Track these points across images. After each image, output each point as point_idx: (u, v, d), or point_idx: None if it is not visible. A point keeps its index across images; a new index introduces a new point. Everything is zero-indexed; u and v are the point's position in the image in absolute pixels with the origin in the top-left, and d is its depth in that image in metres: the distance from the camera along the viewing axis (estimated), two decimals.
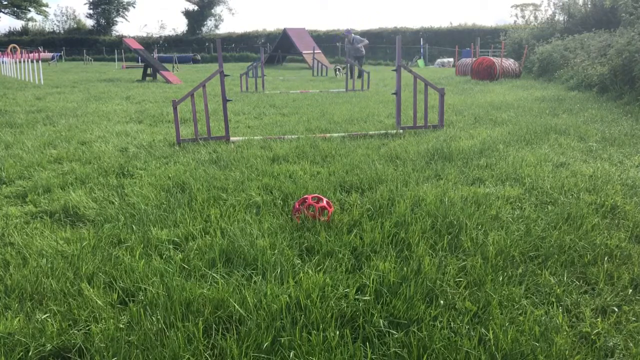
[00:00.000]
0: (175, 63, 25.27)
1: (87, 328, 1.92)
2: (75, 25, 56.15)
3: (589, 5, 17.13)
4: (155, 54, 29.35)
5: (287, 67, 29.14)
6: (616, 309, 2.04)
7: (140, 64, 21.55)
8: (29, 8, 53.19)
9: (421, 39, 35.73)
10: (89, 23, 55.45)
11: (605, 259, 2.45)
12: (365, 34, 42.87)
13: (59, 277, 2.27)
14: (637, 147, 4.86)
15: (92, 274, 2.33)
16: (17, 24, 70.04)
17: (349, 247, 2.57)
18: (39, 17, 59.18)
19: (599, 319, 1.97)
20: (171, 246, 2.64)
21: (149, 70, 16.99)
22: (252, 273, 2.32)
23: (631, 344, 1.81)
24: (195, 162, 4.49)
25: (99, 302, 2.07)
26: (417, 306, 2.00)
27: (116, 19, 55.72)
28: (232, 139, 5.59)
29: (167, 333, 1.85)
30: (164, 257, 2.51)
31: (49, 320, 1.95)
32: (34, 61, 15.65)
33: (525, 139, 5.25)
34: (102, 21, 54.46)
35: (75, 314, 2.01)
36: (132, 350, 1.76)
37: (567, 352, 1.76)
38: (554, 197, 3.36)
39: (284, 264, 2.37)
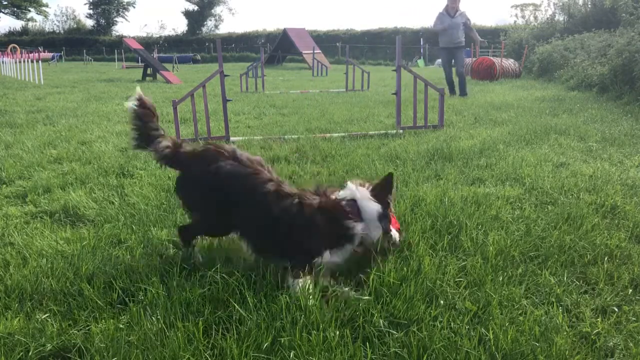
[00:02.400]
0: (175, 63, 25.27)
1: (87, 328, 1.92)
2: (75, 25, 56.21)
3: (589, 5, 17.15)
4: (155, 54, 29.36)
5: (287, 67, 29.14)
6: (616, 309, 2.04)
7: (140, 64, 21.56)
8: (29, 8, 53.26)
9: (421, 39, 35.75)
10: (89, 23, 55.59)
11: (605, 259, 2.45)
12: (365, 34, 42.90)
13: (59, 277, 2.27)
14: (637, 147, 4.86)
15: (92, 274, 2.32)
16: (17, 24, 70.10)
17: None
18: (39, 17, 59.27)
19: (599, 319, 1.97)
20: (171, 246, 2.64)
21: (149, 70, 17.01)
22: (252, 273, 2.31)
23: (631, 344, 1.81)
24: None
25: (99, 302, 2.07)
26: (417, 306, 2.00)
27: (116, 19, 55.83)
28: (232, 138, 5.59)
29: (167, 333, 1.85)
30: (163, 257, 2.51)
31: (49, 320, 1.95)
32: (34, 61, 15.65)
33: (525, 139, 5.25)
34: (102, 21, 54.54)
35: (75, 314, 2.01)
36: (132, 350, 1.76)
37: (567, 352, 1.76)
38: (554, 197, 3.36)
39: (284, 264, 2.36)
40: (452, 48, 10.02)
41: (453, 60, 10.28)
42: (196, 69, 26.72)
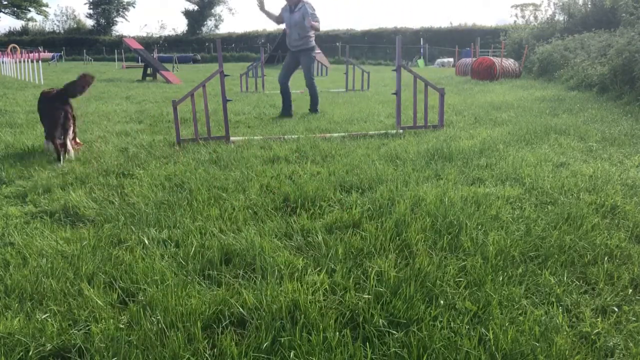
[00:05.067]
0: (175, 63, 25.26)
1: (87, 328, 1.92)
2: (75, 25, 56.21)
3: (589, 5, 17.14)
4: (155, 54, 29.35)
5: None
6: (616, 309, 2.04)
7: (140, 63, 21.55)
8: (29, 8, 53.26)
9: (421, 39, 35.77)
10: (89, 23, 55.61)
11: (605, 259, 2.45)
12: (365, 34, 42.88)
13: (59, 277, 2.27)
14: (637, 147, 4.86)
15: (92, 274, 2.32)
16: (17, 24, 70.15)
17: (348, 246, 2.57)
18: (39, 17, 59.33)
19: (599, 319, 1.97)
20: (171, 246, 2.64)
21: (149, 70, 17.00)
22: (252, 273, 2.32)
23: (631, 344, 1.81)
24: (195, 162, 4.49)
25: (99, 302, 2.07)
26: (417, 306, 2.00)
27: (116, 19, 55.85)
28: (232, 138, 5.59)
29: (167, 333, 1.85)
30: (164, 257, 2.51)
31: (49, 320, 1.95)
32: (34, 61, 15.65)
33: (525, 139, 5.25)
34: (102, 21, 54.55)
35: (75, 314, 2.01)
36: (132, 350, 1.76)
37: (567, 352, 1.76)
38: (554, 197, 3.36)
39: (284, 265, 2.37)
40: (293, 52, 7.72)
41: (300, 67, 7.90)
42: (196, 69, 26.71)
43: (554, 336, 1.82)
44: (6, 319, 1.97)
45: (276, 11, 7.76)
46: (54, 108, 4.60)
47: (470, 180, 3.81)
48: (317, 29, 7.48)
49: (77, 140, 5.20)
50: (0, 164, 4.37)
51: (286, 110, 7.69)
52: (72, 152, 4.73)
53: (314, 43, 7.69)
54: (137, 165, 4.38)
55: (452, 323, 1.91)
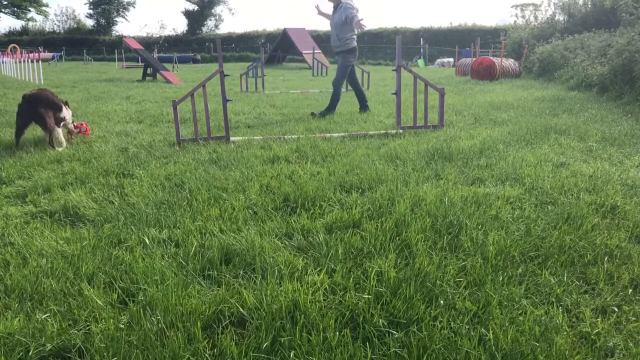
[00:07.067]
0: (175, 63, 25.25)
1: (87, 328, 1.92)
2: (75, 25, 56.17)
3: (589, 5, 17.14)
4: (156, 54, 29.33)
5: (287, 67, 29.12)
6: (616, 309, 2.04)
7: (140, 63, 21.54)
8: (29, 8, 53.20)
9: (421, 39, 35.74)
10: (89, 23, 55.53)
11: (605, 259, 2.45)
12: (365, 34, 42.83)
13: (59, 277, 2.27)
14: (637, 147, 4.86)
15: (92, 274, 2.32)
16: (17, 24, 70.13)
17: (348, 246, 2.57)
18: (39, 17, 59.31)
19: (599, 319, 1.97)
20: (171, 246, 2.64)
21: (149, 70, 16.98)
22: (252, 273, 2.32)
23: (631, 344, 1.81)
24: (195, 162, 4.49)
25: (99, 302, 2.07)
26: (417, 306, 2.00)
27: (116, 19, 55.78)
28: (232, 138, 5.59)
29: (167, 333, 1.85)
30: (164, 257, 2.51)
31: (49, 320, 1.95)
32: (34, 61, 15.64)
33: (525, 139, 5.25)
34: (102, 21, 54.50)
35: (75, 314, 2.01)
36: (132, 350, 1.76)
37: (567, 352, 1.76)
38: (554, 197, 3.36)
39: (284, 264, 2.37)
40: (335, 53, 7.64)
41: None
42: (196, 69, 26.72)
43: (554, 336, 1.82)
44: (6, 319, 1.97)
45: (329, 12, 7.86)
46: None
47: (470, 180, 3.81)
48: (360, 27, 6.99)
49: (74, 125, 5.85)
50: (0, 164, 4.37)
51: (362, 106, 7.94)
52: (63, 142, 5.30)
53: (353, 44, 7.51)
54: (137, 165, 4.39)
55: (452, 323, 1.91)
